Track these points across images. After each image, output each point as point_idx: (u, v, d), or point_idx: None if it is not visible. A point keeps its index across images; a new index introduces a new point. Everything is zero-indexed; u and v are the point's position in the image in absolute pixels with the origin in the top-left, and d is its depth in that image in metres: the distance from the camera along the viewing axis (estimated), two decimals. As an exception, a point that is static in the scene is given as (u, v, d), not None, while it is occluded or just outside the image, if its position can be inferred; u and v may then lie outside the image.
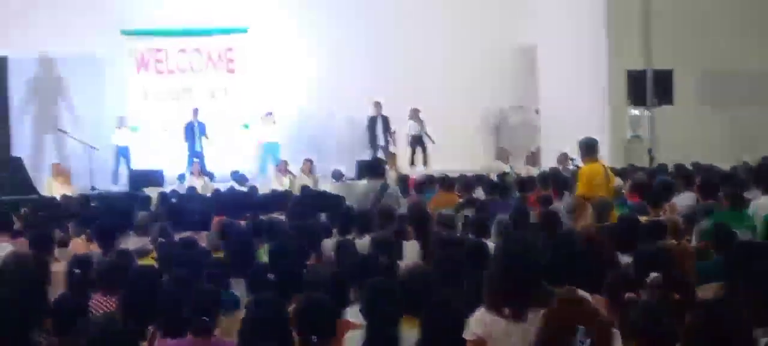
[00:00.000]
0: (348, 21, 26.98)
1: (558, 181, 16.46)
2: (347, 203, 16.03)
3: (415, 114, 25.81)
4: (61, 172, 23.44)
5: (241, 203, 16.22)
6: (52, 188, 22.78)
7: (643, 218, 10.78)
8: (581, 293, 6.04)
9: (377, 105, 25.72)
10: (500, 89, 27.56)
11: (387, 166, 21.80)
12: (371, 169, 14.68)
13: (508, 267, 5.90)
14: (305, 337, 5.66)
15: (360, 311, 6.33)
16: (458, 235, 11.00)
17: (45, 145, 26.57)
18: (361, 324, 6.24)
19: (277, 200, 16.02)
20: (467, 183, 17.91)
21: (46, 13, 25.69)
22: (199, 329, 6.23)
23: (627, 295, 6.46)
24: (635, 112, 23.99)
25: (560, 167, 22.26)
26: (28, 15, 25.64)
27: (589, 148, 13.48)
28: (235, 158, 26.31)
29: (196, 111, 25.64)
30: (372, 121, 25.89)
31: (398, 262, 9.12)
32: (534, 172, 22.33)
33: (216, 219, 13.40)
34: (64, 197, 20.15)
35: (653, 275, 6.73)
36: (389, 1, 27.13)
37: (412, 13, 27.04)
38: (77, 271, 8.21)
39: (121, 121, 25.66)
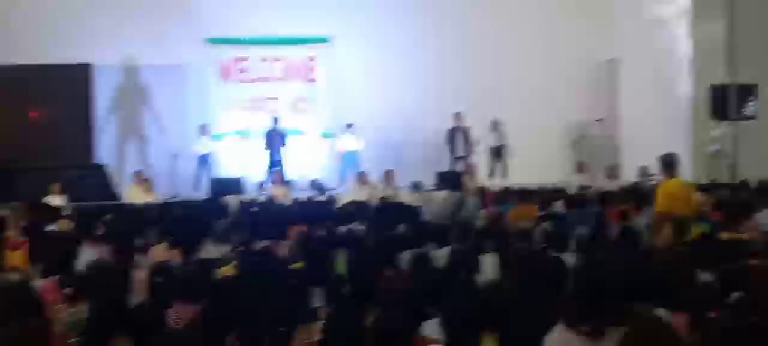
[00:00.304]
0: (430, 33, 27.08)
1: (638, 195, 16.33)
2: (425, 214, 16.05)
3: (495, 126, 25.77)
4: (143, 180, 23.64)
5: (319, 212, 16.25)
6: (133, 196, 23.00)
7: (724, 235, 10.66)
8: (660, 311, 5.99)
9: (457, 116, 25.67)
10: (581, 103, 27.44)
11: (466, 178, 21.76)
12: (449, 181, 14.61)
13: (586, 286, 5.87)
14: (381, 353, 5.65)
15: (439, 326, 6.29)
16: (536, 249, 10.92)
17: (128, 152, 26.87)
18: (438, 339, 6.21)
19: (355, 210, 16.05)
20: (546, 196, 17.84)
21: (132, 21, 26.06)
22: (276, 340, 6.23)
23: (708, 314, 6.37)
24: (718, 127, 23.66)
25: (640, 182, 22.10)
26: (113, 24, 26.00)
27: (668, 164, 13.32)
28: (315, 167, 26.51)
29: (276, 119, 25.70)
30: (451, 133, 25.83)
31: (476, 276, 9.09)
32: (613, 186, 22.19)
33: (295, 229, 13.45)
34: (145, 204, 20.40)
35: (735, 294, 6.64)
36: (472, 15, 27.13)
37: (494, 26, 27.07)
38: (158, 279, 8.26)
39: (203, 130, 25.81)
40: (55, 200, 21.56)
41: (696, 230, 11.73)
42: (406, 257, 10.12)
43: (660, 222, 12.58)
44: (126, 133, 26.89)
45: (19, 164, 24.58)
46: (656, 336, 4.76)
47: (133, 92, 26.97)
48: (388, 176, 23.60)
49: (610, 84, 27.73)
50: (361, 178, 23.83)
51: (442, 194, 14.71)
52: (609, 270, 6.51)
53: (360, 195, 22.24)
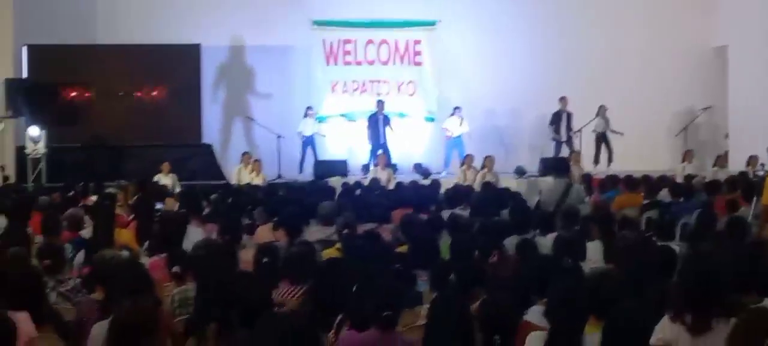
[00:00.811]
0: (536, 17, 26.95)
1: (745, 186, 16.08)
2: (530, 200, 15.98)
3: (602, 111, 25.53)
4: (251, 162, 23.83)
5: (423, 196, 16.27)
6: (241, 177, 23.23)
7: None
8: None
9: (563, 100, 25.50)
10: (689, 90, 27.11)
11: (572, 165, 21.61)
12: (556, 167, 14.54)
13: (693, 277, 5.81)
14: (488, 336, 5.65)
15: (544, 313, 6.27)
16: (642, 237, 10.82)
17: (234, 132, 27.11)
18: (543, 326, 6.19)
19: (460, 194, 16.03)
20: (652, 184, 17.66)
21: (239, 2, 26.25)
22: (383, 323, 6.26)
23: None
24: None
25: (749, 171, 21.75)
26: (220, 4, 26.24)
27: None
28: (419, 151, 26.54)
29: (381, 103, 25.76)
30: (556, 117, 25.66)
31: (581, 263, 9.05)
32: (721, 175, 21.88)
33: (398, 212, 13.48)
34: (251, 185, 20.63)
35: None
36: (583, 5, 26.92)
37: (603, 12, 26.82)
38: (264, 259, 8.34)
39: (308, 111, 25.93)
40: (165, 179, 21.89)
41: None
42: (511, 242, 10.11)
43: (766, 214, 12.38)
44: (232, 113, 27.09)
45: (128, 143, 25.00)
46: (761, 324, 4.68)
47: (240, 73, 27.14)
48: (488, 162, 23.46)
49: (718, 72, 27.30)
50: (468, 162, 23.73)
51: (549, 180, 14.58)
52: (716, 262, 6.42)
53: (465, 180, 22.23)
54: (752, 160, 22.91)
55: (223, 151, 26.37)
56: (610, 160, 25.47)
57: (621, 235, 10.10)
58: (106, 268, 7.92)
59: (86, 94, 25.64)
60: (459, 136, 25.81)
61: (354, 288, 7.19)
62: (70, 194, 17.23)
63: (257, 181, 22.42)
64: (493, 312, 5.85)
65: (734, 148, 26.05)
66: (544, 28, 26.88)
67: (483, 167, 23.37)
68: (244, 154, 24.49)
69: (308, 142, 25.84)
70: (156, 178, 21.75)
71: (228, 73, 27.01)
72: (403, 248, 9.59)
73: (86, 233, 11.51)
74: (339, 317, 6.77)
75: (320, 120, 26.48)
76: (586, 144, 25.57)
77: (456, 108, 25.93)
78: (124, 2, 26.23)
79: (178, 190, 20.02)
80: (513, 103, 27.05)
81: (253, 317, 5.89)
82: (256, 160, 24.08)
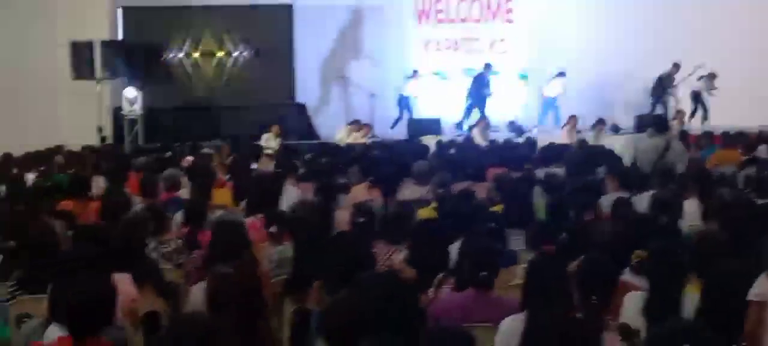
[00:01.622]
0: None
1: None
2: (626, 157, 15.84)
3: (700, 72, 25.06)
4: (363, 126, 23.92)
5: (518, 154, 16.20)
6: (347, 138, 23.28)
7: None
8: None
9: (676, 66, 25.18)
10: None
11: (674, 123, 21.39)
12: (656, 124, 14.37)
13: None
14: (585, 296, 5.65)
15: (646, 271, 6.23)
16: (740, 194, 10.68)
17: (327, 91, 27.22)
18: (640, 286, 6.17)
19: (555, 153, 15.94)
20: (750, 140, 17.43)
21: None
22: (479, 283, 6.28)
23: None
24: None
25: None
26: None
27: None
28: (513, 109, 26.44)
29: (489, 66, 25.49)
30: (665, 80, 25.33)
31: (678, 221, 8.99)
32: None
33: (493, 170, 13.45)
34: (347, 145, 20.73)
35: None
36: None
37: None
38: (360, 219, 8.38)
39: (415, 74, 26.00)
40: (273, 141, 22.01)
41: None
42: (607, 201, 10.05)
43: None
44: (325, 73, 27.16)
45: (223, 104, 25.25)
46: None
47: (331, 33, 27.20)
48: (572, 121, 23.37)
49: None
50: (572, 122, 23.48)
51: (646, 138, 14.43)
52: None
53: (568, 138, 22.04)
54: None
55: (318, 110, 26.47)
56: (705, 117, 25.14)
57: (718, 193, 9.96)
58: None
59: (181, 55, 25.98)
60: (555, 98, 25.66)
61: (450, 249, 7.24)
62: (167, 154, 17.46)
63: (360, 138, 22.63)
64: (590, 272, 5.82)
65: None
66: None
67: (571, 126, 23.33)
68: (354, 122, 24.49)
69: (405, 102, 25.87)
70: (264, 139, 21.94)
71: (320, 33, 26.99)
72: (498, 207, 9.57)
73: (184, 193, 11.67)
74: (439, 276, 6.80)
75: (414, 78, 26.33)
76: (681, 100, 25.25)
77: (560, 73, 25.72)
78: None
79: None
80: (610, 63, 26.49)
81: (352, 277, 5.94)
82: (366, 125, 24.17)
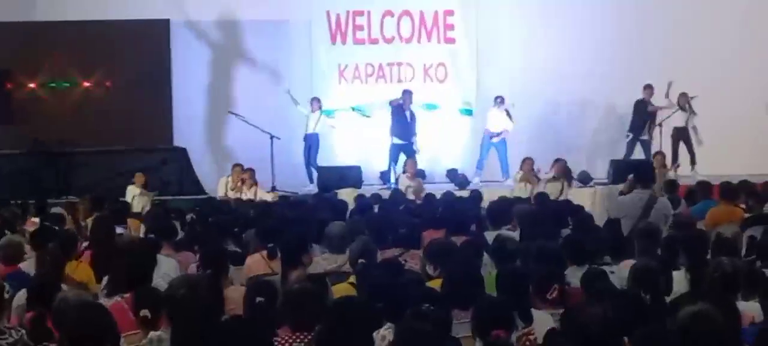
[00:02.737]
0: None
1: None
2: (603, 215, 15.97)
3: (683, 101, 25.33)
4: (244, 174, 23.77)
5: (461, 212, 16.24)
6: (228, 192, 23.23)
7: None
8: None
9: (648, 89, 25.41)
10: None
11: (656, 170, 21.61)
12: (640, 174, 14.50)
13: None
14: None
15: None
16: (742, 263, 10.79)
17: (214, 132, 27.16)
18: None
19: (507, 210, 16.01)
20: (756, 193, 17.62)
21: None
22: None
23: None
24: None
25: None
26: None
27: None
28: (453, 153, 26.52)
29: (408, 93, 25.53)
30: (639, 106, 25.56)
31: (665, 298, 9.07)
32: None
33: (429, 234, 13.48)
34: (239, 201, 20.67)
35: None
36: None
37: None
38: (259, 298, 8.32)
39: (313, 104, 25.96)
40: (138, 197, 21.89)
41: None
42: (574, 273, 10.10)
43: None
44: (212, 108, 27.09)
45: (80, 149, 25.05)
46: None
47: (220, 56, 27.17)
48: (559, 167, 23.36)
49: None
50: (526, 167, 23.44)
51: (629, 191, 14.48)
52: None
53: (520, 190, 22.15)
54: None
55: (203, 156, 26.36)
56: (692, 161, 25.34)
57: (716, 261, 10.02)
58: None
59: (28, 86, 25.83)
60: (501, 133, 25.76)
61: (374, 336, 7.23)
62: (6, 215, 17.27)
63: (251, 196, 22.52)
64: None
65: None
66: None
67: (525, 170, 23.36)
68: (235, 166, 24.39)
69: (312, 142, 25.83)
70: (128, 193, 21.82)
71: (205, 56, 27.01)
72: (436, 283, 9.57)
73: (27, 266, 11.55)
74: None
75: (327, 115, 26.40)
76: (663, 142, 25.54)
77: (498, 98, 25.86)
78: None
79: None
80: (574, 92, 26.90)
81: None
82: (248, 170, 24.04)
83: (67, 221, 16.45)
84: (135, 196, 21.96)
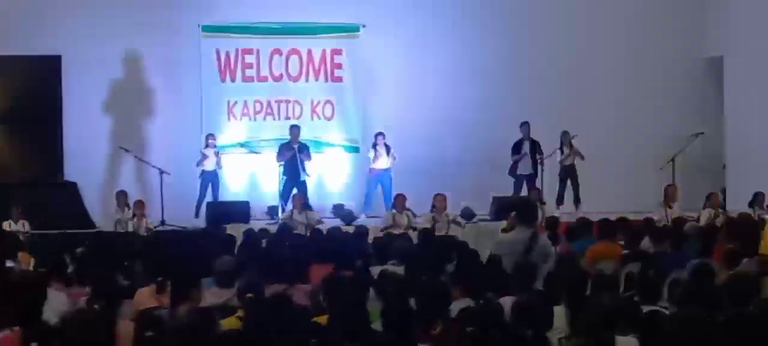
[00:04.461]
0: (489, 25, 27.18)
1: (744, 233, 16.24)
2: (480, 251, 16.02)
3: (567, 139, 25.64)
4: (129, 202, 23.71)
5: (347, 247, 16.27)
6: (118, 222, 23.14)
7: None
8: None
9: (525, 126, 25.68)
10: (677, 112, 27.41)
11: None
12: (522, 212, 14.55)
13: None
14: None
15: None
16: (621, 298, 10.91)
17: (111, 168, 27.03)
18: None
19: (391, 245, 16.08)
20: (633, 230, 17.79)
21: (107, 4, 26.25)
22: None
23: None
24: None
25: (754, 213, 21.99)
26: (85, 6, 26.16)
27: None
28: (339, 189, 26.63)
29: (296, 129, 25.78)
30: (517, 147, 25.80)
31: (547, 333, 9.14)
32: (719, 218, 22.12)
33: (316, 268, 13.49)
34: (129, 234, 20.53)
35: None
36: (544, 11, 27.27)
37: (567, 20, 27.15)
38: (148, 333, 8.27)
39: (210, 140, 25.97)
40: (14, 227, 21.71)
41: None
42: (458, 307, 10.15)
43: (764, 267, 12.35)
44: (102, 143, 26.91)
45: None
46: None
47: (111, 92, 27.02)
48: (440, 201, 23.52)
49: (712, 88, 27.67)
50: (399, 203, 23.67)
51: (511, 228, 14.55)
52: (711, 332, 6.50)
53: (397, 225, 22.30)
54: (758, 198, 23.14)
55: (94, 191, 26.20)
56: (576, 199, 25.65)
57: (595, 297, 10.10)
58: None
59: None
60: (386, 170, 25.91)
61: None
62: None
63: (141, 229, 22.41)
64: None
65: (734, 182, 26.38)
66: (495, 38, 27.17)
67: (433, 208, 23.48)
68: (119, 193, 24.42)
69: (209, 178, 25.89)
70: (4, 225, 21.60)
71: (95, 92, 26.84)
72: (322, 318, 9.57)
73: None
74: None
75: (219, 149, 26.37)
76: (547, 181, 25.76)
77: (378, 134, 26.06)
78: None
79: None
80: (457, 130, 27.14)
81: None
82: (137, 201, 24.05)
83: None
84: (11, 227, 21.80)
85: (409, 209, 23.67)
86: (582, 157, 25.68)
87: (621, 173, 26.27)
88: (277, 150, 25.74)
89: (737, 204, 24.21)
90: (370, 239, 17.73)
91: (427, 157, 26.97)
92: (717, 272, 12.05)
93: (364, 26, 26.93)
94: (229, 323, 9.72)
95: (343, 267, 13.57)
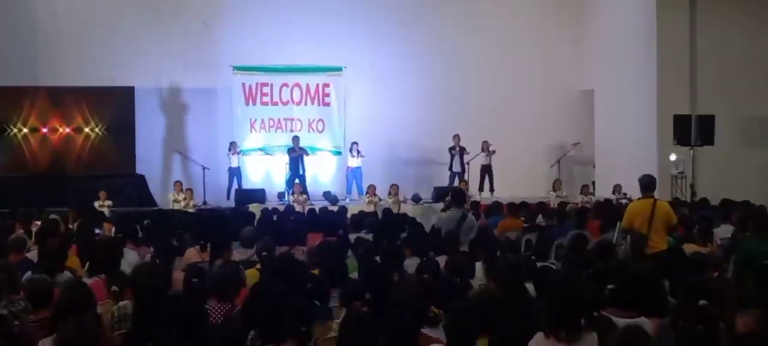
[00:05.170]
0: (431, 64, 27.29)
1: (610, 212, 16.29)
2: (425, 224, 16.02)
3: (485, 147, 25.76)
4: (183, 189, 23.74)
5: (332, 221, 16.28)
6: (174, 202, 23.15)
7: (690, 248, 10.70)
8: (649, 324, 6.02)
9: (456, 137, 25.72)
10: (561, 128, 27.48)
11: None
12: (456, 197, 14.59)
13: (563, 296, 5.84)
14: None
15: (444, 327, 6.27)
16: (522, 258, 10.90)
17: (165, 165, 27.03)
18: (439, 338, 6.23)
19: (363, 219, 16.10)
20: (531, 210, 17.85)
21: (169, 49, 26.21)
22: (299, 337, 6.26)
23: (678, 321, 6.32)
24: (675, 153, 23.51)
25: (614, 199, 22.10)
26: (151, 51, 26.12)
27: (642, 185, 13.07)
28: (327, 180, 26.66)
29: (297, 139, 25.89)
30: (451, 151, 25.86)
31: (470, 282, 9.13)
32: (588, 202, 22.24)
33: (312, 235, 13.50)
34: (180, 211, 20.48)
35: (702, 302, 6.63)
36: (469, 52, 27.30)
37: (488, 62, 27.20)
38: (195, 280, 8.26)
39: (232, 146, 25.91)
40: (102, 206, 21.65)
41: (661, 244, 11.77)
42: (410, 263, 10.15)
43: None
44: (163, 148, 26.95)
45: (69, 173, 24.67)
46: (631, 340, 4.73)
47: (169, 112, 27.08)
48: (393, 189, 23.85)
49: (586, 111, 27.79)
50: (371, 190, 23.96)
51: (448, 211, 14.58)
52: (582, 281, 6.50)
53: (372, 207, 22.36)
54: (616, 188, 23.32)
55: (157, 181, 26.18)
56: (491, 188, 25.72)
57: (504, 257, 10.12)
58: (51, 288, 7.82)
59: (25, 130, 25.51)
60: (358, 168, 25.95)
61: (273, 306, 7.18)
62: (15, 219, 16.90)
63: (189, 207, 22.36)
64: (397, 327, 5.84)
65: (600, 177, 26.54)
66: (438, 73, 27.34)
67: (389, 194, 23.67)
68: (176, 182, 24.50)
69: (234, 173, 25.83)
70: (96, 204, 21.53)
71: (159, 112, 26.95)
72: (315, 270, 9.55)
73: (32, 255, 11.31)
74: (251, 334, 6.72)
75: (243, 153, 26.44)
76: (472, 175, 25.81)
77: (353, 143, 26.08)
78: (65, 48, 26.09)
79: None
80: (410, 138, 27.29)
81: (189, 332, 5.86)
82: (188, 189, 24.02)
83: (61, 224, 16.16)
84: (100, 205, 21.74)
85: (376, 195, 23.85)
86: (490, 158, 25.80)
87: (523, 170, 26.29)
88: (287, 152, 25.77)
89: (603, 192, 24.35)
90: (348, 215, 17.69)
91: (387, 158, 27.09)
92: (588, 239, 12.07)
93: (345, 67, 26.86)
94: (250, 273, 9.70)
95: (330, 235, 13.60)
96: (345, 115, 27.24)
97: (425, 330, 6.65)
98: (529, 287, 8.35)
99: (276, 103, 27.20)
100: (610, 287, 7.13)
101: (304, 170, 25.58)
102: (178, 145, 26.80)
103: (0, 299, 7.70)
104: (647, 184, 12.70)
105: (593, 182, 26.49)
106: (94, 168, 25.08)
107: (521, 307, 7.05)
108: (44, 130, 25.75)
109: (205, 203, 24.41)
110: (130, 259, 10.76)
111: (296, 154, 25.49)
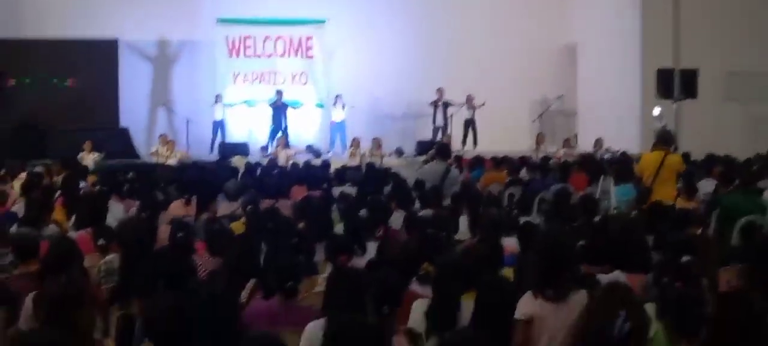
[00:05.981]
0: (414, 16, 27.14)
1: (593, 166, 16.35)
2: (408, 178, 16.06)
3: (469, 101, 25.71)
4: (167, 141, 23.64)
5: (316, 175, 16.27)
6: (159, 155, 23.10)
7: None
8: (623, 277, 6.06)
9: (439, 91, 25.68)
10: (544, 81, 27.39)
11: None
12: (440, 151, 14.63)
13: (548, 254, 5.87)
14: (378, 306, 5.66)
15: (431, 282, 6.30)
16: (505, 212, 10.94)
17: (148, 117, 27.05)
18: (426, 294, 6.26)
19: (346, 173, 16.11)
20: (513, 164, 17.88)
21: (152, 1, 26.06)
22: (285, 292, 6.30)
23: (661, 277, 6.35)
24: (659, 107, 23.51)
25: (595, 152, 22.15)
26: (135, 3, 25.98)
27: (657, 138, 13.12)
28: (310, 134, 26.61)
29: (280, 93, 25.85)
30: (434, 105, 25.84)
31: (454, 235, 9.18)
32: (570, 155, 22.26)
33: (296, 189, 13.51)
34: (165, 165, 20.44)
35: (685, 258, 6.68)
36: (452, 5, 27.17)
37: (472, 13, 27.08)
38: (180, 234, 8.26)
39: (217, 99, 25.88)
40: (87, 157, 21.58)
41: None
42: (395, 218, 10.17)
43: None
44: (146, 100, 26.99)
45: (51, 125, 24.58)
46: (620, 301, 4.75)
47: (152, 65, 27.07)
48: (376, 143, 23.73)
49: (569, 66, 27.76)
50: (355, 144, 23.82)
51: (432, 164, 14.58)
52: (567, 237, 6.53)
53: (352, 160, 22.33)
54: (598, 142, 23.35)
55: (140, 133, 26.15)
56: (475, 142, 25.65)
57: (487, 210, 10.15)
58: (38, 241, 7.81)
59: (12, 82, 25.34)
60: (342, 122, 25.89)
61: (259, 260, 7.23)
62: (2, 172, 16.84)
63: (172, 160, 22.30)
64: (382, 285, 5.85)
65: (582, 131, 26.58)
66: (421, 25, 27.21)
67: (373, 147, 23.66)
68: (161, 135, 24.35)
69: (218, 125, 25.86)
70: (79, 156, 21.45)
71: (143, 65, 26.96)
72: (300, 224, 9.56)
73: (18, 208, 11.31)
74: (251, 282, 6.78)
75: (227, 106, 26.47)
76: (455, 128, 25.79)
77: (337, 96, 26.02)
78: (49, 0, 25.91)
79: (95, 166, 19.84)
80: (393, 92, 27.14)
81: (175, 285, 5.90)
82: (170, 140, 23.90)
83: (45, 177, 16.11)
84: (85, 157, 21.68)
85: (360, 148, 23.74)
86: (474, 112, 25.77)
87: (506, 124, 26.18)
88: (270, 106, 25.78)
89: (585, 146, 24.41)
90: (332, 169, 17.69)
91: (371, 111, 26.92)
92: (571, 194, 12.13)
93: (328, 19, 26.78)
94: (235, 226, 9.72)
95: (314, 189, 13.62)
96: (329, 68, 27.14)
97: (413, 286, 6.67)
98: (513, 240, 8.39)
99: (259, 56, 27.16)
100: (580, 243, 7.17)
101: (287, 124, 25.51)
102: (162, 98, 26.75)
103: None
104: (661, 137, 12.82)
105: (576, 135, 26.49)
106: (77, 121, 24.95)
107: (501, 260, 7.11)
108: (27, 82, 25.61)
109: (188, 149, 24.42)
110: (116, 212, 10.77)
111: (278, 105, 25.44)
